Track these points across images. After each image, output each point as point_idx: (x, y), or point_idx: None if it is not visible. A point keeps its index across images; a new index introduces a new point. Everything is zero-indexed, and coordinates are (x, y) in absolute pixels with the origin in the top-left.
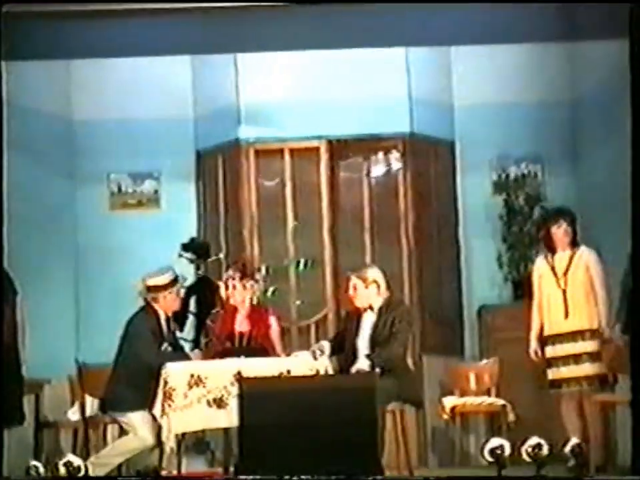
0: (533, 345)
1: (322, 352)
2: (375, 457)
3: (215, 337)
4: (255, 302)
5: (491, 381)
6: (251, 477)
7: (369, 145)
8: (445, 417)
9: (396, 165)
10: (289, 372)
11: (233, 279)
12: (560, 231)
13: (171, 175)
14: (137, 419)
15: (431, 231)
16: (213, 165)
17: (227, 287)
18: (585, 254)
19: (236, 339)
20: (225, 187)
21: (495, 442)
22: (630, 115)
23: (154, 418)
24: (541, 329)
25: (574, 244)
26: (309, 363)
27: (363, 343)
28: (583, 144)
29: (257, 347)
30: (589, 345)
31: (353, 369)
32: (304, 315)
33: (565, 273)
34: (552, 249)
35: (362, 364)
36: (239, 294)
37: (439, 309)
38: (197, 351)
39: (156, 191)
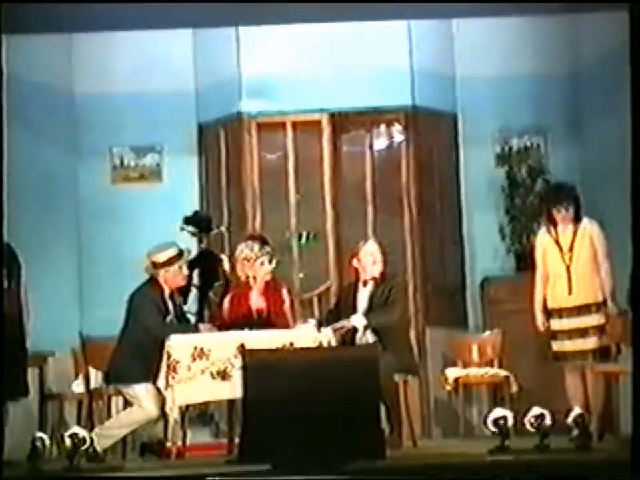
0: (540, 317)
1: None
2: (377, 428)
3: (228, 315)
4: (269, 277)
5: (494, 352)
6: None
7: (371, 117)
8: (449, 388)
9: (398, 137)
10: (292, 344)
11: (258, 257)
12: (561, 214)
13: (173, 148)
14: (141, 391)
15: (434, 203)
16: (215, 138)
17: (243, 265)
18: (588, 226)
19: (254, 316)
20: (227, 161)
21: (498, 412)
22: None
23: (158, 390)
24: (545, 301)
25: (577, 218)
26: (312, 335)
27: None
28: (586, 116)
29: (274, 322)
30: (595, 319)
31: (348, 322)
32: (307, 288)
33: (571, 249)
34: (554, 224)
35: (359, 319)
36: (262, 270)
37: (441, 281)
38: (208, 324)
39: (158, 165)
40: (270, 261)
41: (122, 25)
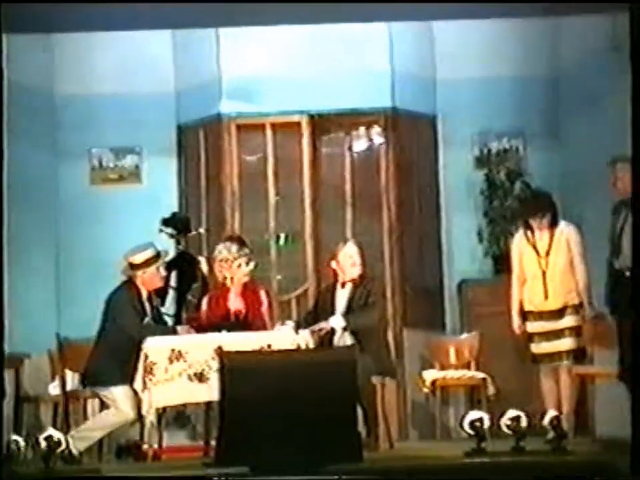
0: (517, 320)
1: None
2: (354, 430)
3: (205, 316)
4: (247, 279)
5: (471, 355)
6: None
7: (351, 119)
8: (426, 390)
9: (378, 139)
10: (269, 346)
11: (236, 258)
12: (537, 222)
13: (153, 149)
14: (118, 393)
15: (412, 205)
16: (195, 139)
17: (221, 266)
18: (565, 230)
19: (231, 317)
20: (207, 162)
21: (474, 415)
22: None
23: (135, 392)
24: (521, 304)
25: (554, 223)
26: (290, 337)
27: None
28: (565, 118)
29: (252, 324)
30: (571, 320)
31: (327, 324)
32: (285, 290)
33: (547, 253)
34: (532, 230)
35: (337, 320)
36: (240, 271)
37: (419, 283)
38: (186, 326)
39: (137, 166)
40: (248, 263)
41: (102, 26)
